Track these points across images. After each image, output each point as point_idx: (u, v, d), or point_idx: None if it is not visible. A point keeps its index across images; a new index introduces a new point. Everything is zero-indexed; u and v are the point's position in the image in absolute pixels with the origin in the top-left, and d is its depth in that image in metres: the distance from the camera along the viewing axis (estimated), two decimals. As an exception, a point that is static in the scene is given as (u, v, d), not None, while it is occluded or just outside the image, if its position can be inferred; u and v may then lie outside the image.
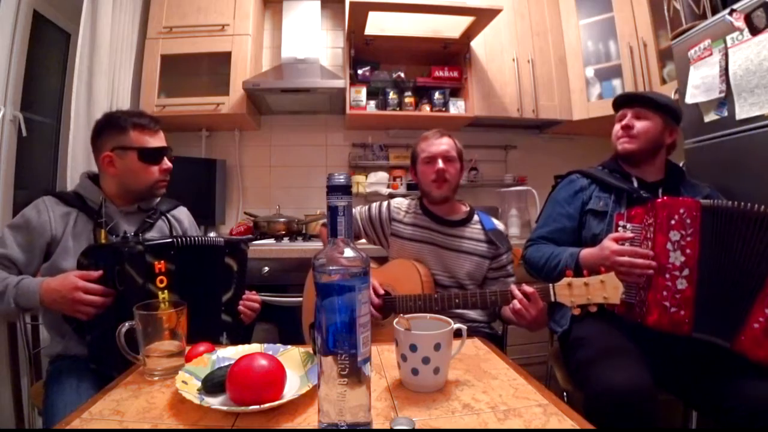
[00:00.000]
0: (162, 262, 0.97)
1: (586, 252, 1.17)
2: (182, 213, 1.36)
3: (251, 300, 1.18)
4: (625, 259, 1.05)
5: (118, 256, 0.94)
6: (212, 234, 2.26)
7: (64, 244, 1.10)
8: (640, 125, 1.26)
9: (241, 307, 1.15)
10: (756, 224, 0.99)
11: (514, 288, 1.07)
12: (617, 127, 1.32)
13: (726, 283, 1.01)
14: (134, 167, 1.16)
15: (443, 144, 1.38)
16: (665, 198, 1.08)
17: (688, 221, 1.04)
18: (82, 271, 0.97)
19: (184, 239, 1.05)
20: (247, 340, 1.16)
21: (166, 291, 0.97)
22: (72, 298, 0.93)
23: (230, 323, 1.12)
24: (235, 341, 1.11)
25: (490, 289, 1.35)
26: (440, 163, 1.35)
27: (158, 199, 1.28)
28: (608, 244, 1.11)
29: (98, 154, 1.18)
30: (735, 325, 0.99)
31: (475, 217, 1.43)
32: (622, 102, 1.33)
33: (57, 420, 0.88)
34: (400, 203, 1.49)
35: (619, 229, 1.13)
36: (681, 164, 1.55)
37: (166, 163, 1.21)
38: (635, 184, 1.27)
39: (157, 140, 1.20)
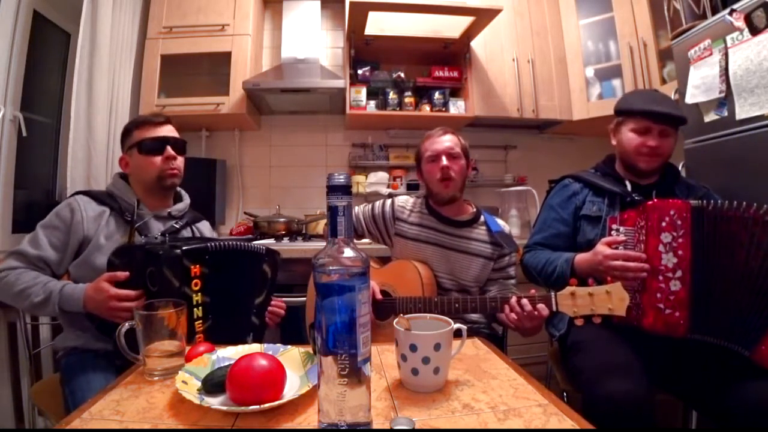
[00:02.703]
0: (197, 266, 0.98)
1: (580, 257, 1.17)
2: (205, 226, 1.39)
3: (278, 306, 1.24)
4: (618, 263, 1.05)
5: (153, 258, 0.95)
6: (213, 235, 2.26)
7: (96, 243, 1.12)
8: (665, 145, 1.21)
9: (268, 313, 1.20)
10: (748, 224, 0.98)
11: (514, 301, 1.05)
12: (637, 139, 1.22)
13: (724, 284, 1.00)
14: (139, 162, 1.19)
15: (446, 141, 1.36)
16: (655, 200, 1.07)
17: (679, 222, 1.03)
18: (110, 273, 0.99)
19: (220, 244, 1.06)
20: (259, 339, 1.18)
21: (199, 294, 0.98)
22: (108, 307, 0.96)
23: (257, 325, 1.15)
24: (259, 342, 1.13)
25: (490, 294, 1.36)
26: (444, 161, 1.33)
27: (187, 208, 1.32)
28: (601, 248, 1.10)
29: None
30: (755, 334, 0.97)
31: (481, 218, 1.42)
32: (650, 115, 1.20)
33: None
34: (405, 202, 1.47)
35: (612, 232, 1.12)
36: (681, 164, 1.55)
37: (169, 152, 1.21)
38: (628, 187, 1.26)
39: (159, 131, 1.21)
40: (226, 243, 1.08)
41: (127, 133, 1.23)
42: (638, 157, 1.24)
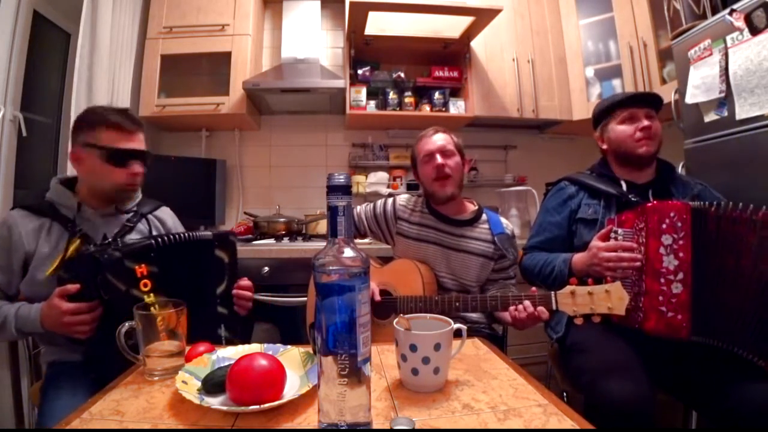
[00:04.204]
0: (143, 265, 0.95)
1: (577, 257, 1.18)
2: (165, 213, 1.32)
3: (242, 288, 1.15)
4: (612, 254, 1.07)
5: (97, 265, 0.91)
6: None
7: (40, 257, 1.06)
8: (655, 126, 1.23)
9: (235, 299, 1.13)
10: (757, 227, 0.96)
11: (513, 308, 1.06)
12: (629, 128, 1.24)
13: (728, 287, 0.99)
14: (98, 167, 1.10)
15: (439, 140, 1.36)
16: (655, 202, 1.07)
17: (679, 224, 1.02)
18: (60, 287, 0.94)
19: (164, 239, 1.02)
20: (246, 340, 1.15)
21: (151, 294, 0.95)
22: (62, 323, 0.91)
23: (227, 315, 1.11)
24: (233, 332, 1.10)
25: (490, 293, 1.36)
26: (438, 158, 1.33)
27: (138, 200, 1.25)
28: (595, 242, 1.12)
29: (71, 149, 1.13)
30: None
31: (483, 217, 1.41)
32: (632, 101, 1.26)
33: (50, 424, 0.89)
34: (407, 201, 1.47)
35: (611, 235, 1.12)
36: (681, 164, 1.55)
37: (135, 168, 1.14)
38: (624, 187, 1.26)
39: (130, 142, 1.12)
40: (169, 237, 1.04)
41: (90, 124, 1.11)
42: (636, 144, 1.23)
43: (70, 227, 1.09)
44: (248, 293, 1.15)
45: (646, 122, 1.22)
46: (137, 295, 0.94)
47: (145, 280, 0.95)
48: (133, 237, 1.16)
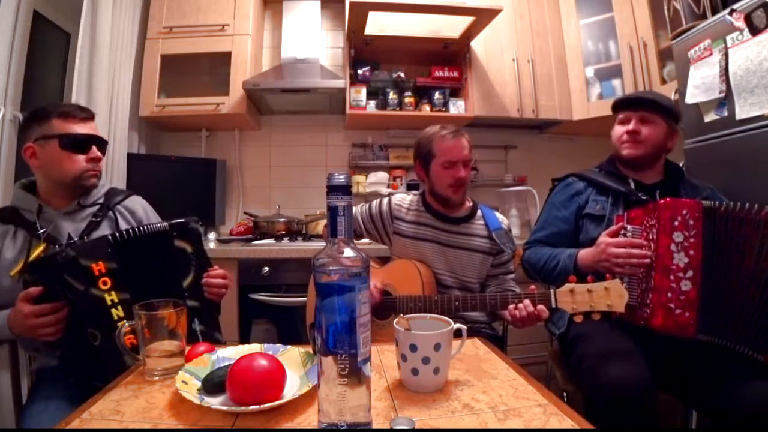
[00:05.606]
0: (100, 263, 0.92)
1: (583, 252, 1.17)
2: (136, 203, 1.27)
3: (214, 276, 1.11)
4: (622, 250, 1.07)
5: (56, 266, 0.90)
6: (212, 235, 2.26)
7: (3, 263, 1.05)
8: (646, 130, 1.24)
9: (206, 287, 1.10)
10: (760, 227, 0.97)
11: (512, 307, 1.07)
12: (620, 130, 1.29)
13: (733, 286, 0.99)
14: (57, 156, 1.08)
15: (465, 148, 1.34)
16: (668, 199, 1.06)
17: (691, 222, 1.02)
18: (24, 291, 0.92)
19: (120, 234, 1.00)
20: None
21: (112, 292, 0.92)
22: (28, 326, 0.90)
23: (198, 308, 1.07)
24: (209, 325, 1.07)
25: (489, 291, 1.36)
26: (462, 172, 1.32)
27: (102, 192, 1.21)
28: (603, 238, 1.12)
29: (22, 148, 1.11)
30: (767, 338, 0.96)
31: (479, 213, 1.41)
32: (626, 104, 1.30)
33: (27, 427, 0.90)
34: (402, 200, 1.46)
35: (620, 231, 1.12)
36: (681, 164, 1.55)
37: (95, 152, 1.13)
38: (632, 186, 1.26)
39: (84, 128, 1.12)
40: (126, 231, 1.01)
41: (40, 119, 1.09)
42: (621, 146, 1.29)
43: (32, 231, 1.07)
44: (220, 280, 1.12)
45: (631, 126, 1.26)
46: (97, 294, 0.91)
47: (104, 278, 0.92)
48: (102, 233, 1.12)
